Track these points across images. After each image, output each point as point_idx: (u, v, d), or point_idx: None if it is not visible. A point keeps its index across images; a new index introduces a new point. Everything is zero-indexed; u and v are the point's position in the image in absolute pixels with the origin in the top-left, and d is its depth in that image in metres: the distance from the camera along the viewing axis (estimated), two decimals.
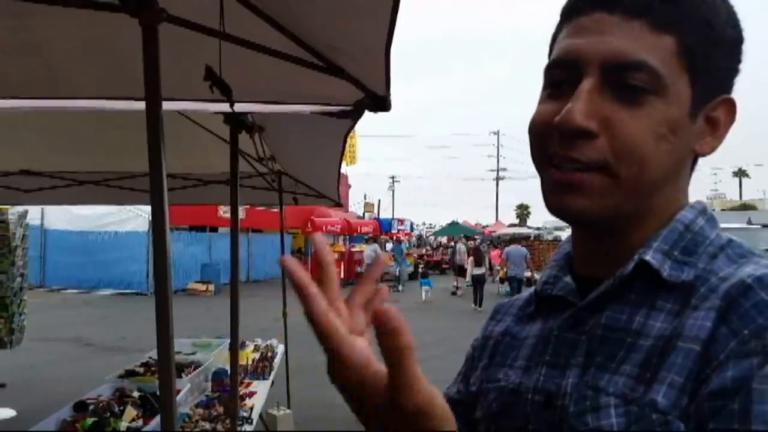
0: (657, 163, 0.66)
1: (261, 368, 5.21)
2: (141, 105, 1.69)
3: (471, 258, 17.00)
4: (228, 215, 3.44)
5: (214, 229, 21.38)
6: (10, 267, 6.79)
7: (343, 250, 25.01)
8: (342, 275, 23.28)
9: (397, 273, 21.86)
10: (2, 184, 4.89)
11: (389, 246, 24.03)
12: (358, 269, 22.81)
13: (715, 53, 0.68)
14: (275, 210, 6.37)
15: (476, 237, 31.13)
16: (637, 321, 0.67)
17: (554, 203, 0.70)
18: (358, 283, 0.53)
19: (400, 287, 21.08)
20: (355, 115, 2.60)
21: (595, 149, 0.65)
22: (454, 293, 19.32)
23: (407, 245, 25.26)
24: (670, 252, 0.69)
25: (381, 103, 2.36)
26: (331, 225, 25.94)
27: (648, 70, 0.64)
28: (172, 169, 2.81)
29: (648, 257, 0.68)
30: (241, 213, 3.74)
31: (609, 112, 0.65)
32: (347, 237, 27.28)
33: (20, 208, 7.10)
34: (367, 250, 22.99)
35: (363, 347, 0.48)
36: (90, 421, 3.51)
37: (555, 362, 0.71)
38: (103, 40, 2.22)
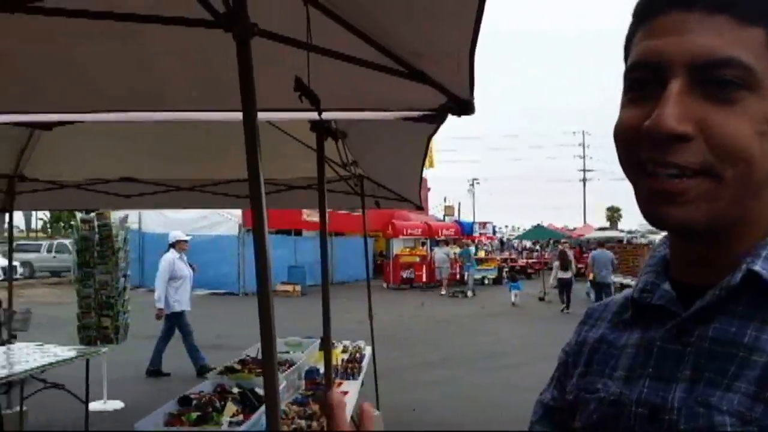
0: (762, 162, 0.62)
1: (350, 369, 5.31)
2: (236, 116, 1.76)
3: (557, 262, 17.13)
4: (311, 219, 3.52)
5: (298, 233, 22.00)
6: (114, 268, 7.27)
7: (425, 253, 24.99)
8: (424, 279, 23.30)
9: (466, 278, 21.51)
10: (105, 191, 5.25)
11: (472, 249, 23.64)
12: (438, 274, 22.64)
13: None
14: (357, 214, 6.47)
15: (565, 240, 30.31)
16: (748, 335, 0.63)
17: (653, 214, 0.66)
18: None
19: (469, 293, 20.55)
20: (438, 120, 2.59)
21: (691, 152, 0.62)
22: (541, 299, 18.90)
23: (475, 249, 24.68)
24: None
25: (465, 106, 2.35)
26: (411, 228, 26.02)
27: (739, 65, 0.61)
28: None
29: (757, 267, 0.64)
30: None
31: (702, 113, 0.61)
32: (428, 240, 27.27)
33: (121, 213, 7.61)
34: (439, 254, 22.82)
35: None
36: (194, 415, 3.67)
37: (659, 375, 0.68)
38: (199, 54, 2.33)
